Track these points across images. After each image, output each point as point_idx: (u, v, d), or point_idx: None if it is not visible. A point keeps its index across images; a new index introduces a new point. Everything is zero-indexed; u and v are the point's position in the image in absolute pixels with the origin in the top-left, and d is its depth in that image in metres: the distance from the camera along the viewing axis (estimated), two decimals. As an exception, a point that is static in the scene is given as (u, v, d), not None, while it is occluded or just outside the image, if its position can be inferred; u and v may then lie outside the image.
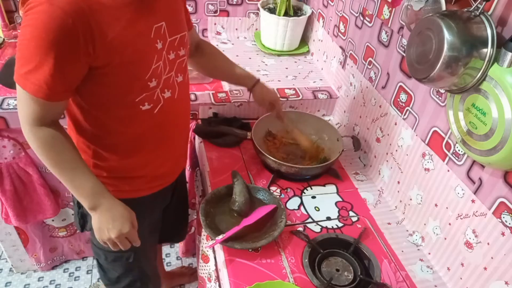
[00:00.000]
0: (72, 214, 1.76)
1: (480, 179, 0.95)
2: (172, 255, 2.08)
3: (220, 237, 1.04)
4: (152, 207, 1.20)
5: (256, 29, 2.06)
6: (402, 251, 1.15)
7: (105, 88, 0.90)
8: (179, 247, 2.01)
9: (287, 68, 1.83)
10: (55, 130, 0.89)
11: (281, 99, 1.57)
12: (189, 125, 1.24)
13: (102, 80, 0.87)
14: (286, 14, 1.81)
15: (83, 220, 1.14)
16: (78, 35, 0.78)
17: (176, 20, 0.98)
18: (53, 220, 1.74)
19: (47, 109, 0.86)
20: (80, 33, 0.78)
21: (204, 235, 1.23)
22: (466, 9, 0.86)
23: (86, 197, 0.92)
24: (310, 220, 1.20)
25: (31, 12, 0.77)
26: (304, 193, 1.29)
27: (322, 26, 1.79)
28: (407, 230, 1.22)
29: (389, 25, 1.25)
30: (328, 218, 1.21)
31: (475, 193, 0.96)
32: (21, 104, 0.86)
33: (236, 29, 2.04)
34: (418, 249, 1.16)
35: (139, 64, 0.89)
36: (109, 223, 0.93)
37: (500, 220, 0.89)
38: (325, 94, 1.63)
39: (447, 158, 1.05)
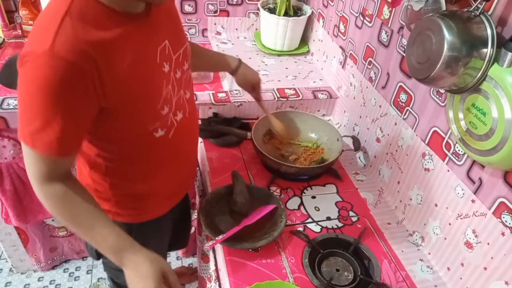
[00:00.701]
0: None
1: (480, 179, 0.95)
2: (172, 255, 2.08)
3: (220, 237, 1.04)
4: (166, 225, 1.19)
5: (256, 29, 2.06)
6: (402, 251, 1.15)
7: (117, 124, 0.84)
8: (179, 247, 2.01)
9: (287, 68, 1.83)
10: (67, 183, 0.82)
11: (281, 99, 1.57)
12: (198, 137, 1.20)
13: (113, 117, 0.81)
14: (286, 14, 1.81)
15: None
16: (86, 82, 0.72)
17: (178, 33, 0.92)
18: (53, 220, 1.74)
19: (59, 164, 0.80)
20: (88, 79, 0.72)
21: (204, 235, 1.24)
22: (466, 9, 0.86)
23: (110, 254, 0.84)
24: (310, 220, 1.20)
25: (31, 67, 0.69)
26: (304, 193, 1.29)
27: (322, 26, 1.79)
28: (407, 230, 1.22)
29: (389, 25, 1.25)
30: (328, 218, 1.21)
31: (475, 193, 0.96)
32: (29, 161, 0.79)
33: (236, 29, 2.04)
34: (418, 249, 1.16)
35: (150, 94, 0.84)
36: (139, 283, 0.83)
37: (500, 220, 0.89)
38: (325, 94, 1.63)
39: (447, 158, 1.05)
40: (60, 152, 0.76)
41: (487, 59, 0.80)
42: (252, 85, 1.29)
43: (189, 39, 1.70)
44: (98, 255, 1.09)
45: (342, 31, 1.58)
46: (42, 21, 0.73)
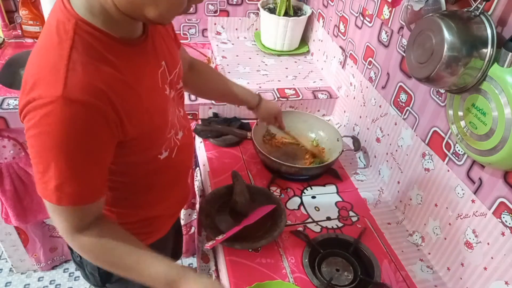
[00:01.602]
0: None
1: (480, 179, 0.95)
2: (172, 255, 2.07)
3: (220, 237, 1.04)
4: (168, 241, 1.17)
5: (256, 29, 2.06)
6: (402, 251, 1.15)
7: (127, 156, 0.80)
8: (179, 247, 2.01)
9: (287, 68, 1.83)
10: (101, 227, 0.78)
11: (281, 99, 1.57)
12: (193, 150, 1.19)
13: (125, 150, 0.77)
14: (286, 14, 1.81)
15: (106, 277, 1.02)
16: (107, 122, 0.67)
17: (173, 52, 0.89)
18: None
19: (90, 211, 0.76)
20: (108, 119, 0.67)
21: (204, 235, 1.24)
22: (466, 9, 0.86)
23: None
24: (310, 220, 1.20)
25: (43, 115, 0.62)
26: (304, 193, 1.29)
27: (322, 26, 1.79)
28: (407, 230, 1.22)
29: (389, 25, 1.25)
30: (328, 218, 1.21)
31: (475, 193, 0.96)
32: (57, 218, 0.74)
33: (236, 29, 2.04)
34: (418, 249, 1.16)
35: (162, 121, 0.82)
36: None
37: (500, 220, 0.89)
38: (325, 94, 1.63)
39: (447, 158, 1.05)
40: (90, 200, 0.73)
41: (487, 59, 0.80)
42: (274, 115, 1.30)
43: (189, 39, 1.71)
44: (103, 283, 1.04)
45: (342, 31, 1.58)
46: (45, 58, 0.66)
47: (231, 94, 1.21)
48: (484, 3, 0.82)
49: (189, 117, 1.20)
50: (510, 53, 0.77)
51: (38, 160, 0.68)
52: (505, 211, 0.88)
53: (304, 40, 1.98)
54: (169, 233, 1.12)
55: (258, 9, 1.92)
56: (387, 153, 1.31)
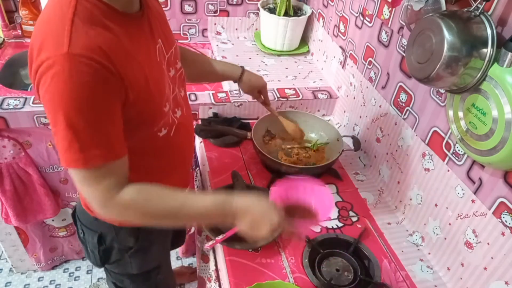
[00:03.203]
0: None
1: (480, 179, 0.95)
2: (172, 255, 2.07)
3: (220, 237, 1.03)
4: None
5: (256, 29, 2.06)
6: (402, 251, 1.15)
7: (127, 127, 0.80)
8: (179, 247, 2.01)
9: (287, 68, 1.83)
10: (134, 185, 0.79)
11: (281, 99, 1.57)
12: (194, 134, 1.20)
13: (128, 124, 0.78)
14: (286, 14, 1.81)
15: (105, 256, 1.06)
16: (112, 78, 0.70)
17: (168, 33, 0.93)
18: (53, 220, 1.74)
19: (120, 167, 0.77)
20: (113, 76, 0.70)
21: (204, 235, 1.24)
22: (466, 9, 0.86)
23: (219, 218, 0.84)
24: (310, 220, 1.20)
25: (54, 75, 0.65)
26: (304, 193, 1.29)
27: (322, 26, 1.79)
28: (407, 230, 1.22)
29: (389, 25, 1.25)
30: (328, 218, 1.21)
31: (475, 193, 0.96)
32: (92, 184, 0.74)
33: (236, 29, 2.04)
34: (418, 249, 1.16)
35: (157, 91, 0.83)
36: (263, 219, 0.81)
37: (500, 220, 0.89)
38: (325, 94, 1.63)
39: (447, 158, 1.05)
40: (116, 156, 0.74)
41: (487, 59, 0.80)
42: (258, 89, 1.28)
43: (189, 39, 1.71)
44: (102, 263, 1.08)
45: (342, 31, 1.58)
46: (49, 25, 0.70)
47: (215, 71, 1.23)
48: (484, 3, 0.81)
49: (193, 127, 1.19)
50: (510, 53, 0.77)
51: (57, 128, 0.69)
52: (505, 211, 0.88)
53: (304, 40, 1.98)
54: None
55: (258, 9, 1.92)
56: (387, 153, 1.31)
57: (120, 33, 0.73)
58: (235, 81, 1.26)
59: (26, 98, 1.40)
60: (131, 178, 0.87)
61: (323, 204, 0.91)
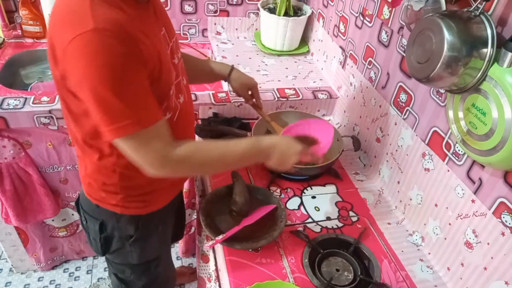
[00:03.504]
0: (72, 215, 1.76)
1: (480, 179, 0.95)
2: (172, 255, 2.07)
3: (220, 237, 1.04)
4: (169, 216, 1.20)
5: (256, 29, 2.06)
6: (402, 251, 1.15)
7: None
8: (179, 247, 2.01)
9: (287, 68, 1.83)
10: (183, 141, 0.87)
11: (281, 99, 1.57)
12: (194, 122, 1.25)
13: None
14: (286, 14, 1.81)
15: (107, 244, 1.10)
16: (137, 50, 0.75)
17: (169, 24, 0.97)
18: (53, 220, 1.74)
19: (164, 128, 0.83)
20: (137, 48, 0.75)
21: (204, 235, 1.24)
22: (466, 9, 0.86)
23: (254, 158, 0.96)
24: (310, 220, 1.20)
25: (83, 46, 0.69)
26: (304, 193, 1.29)
27: (322, 26, 1.79)
28: (407, 230, 1.22)
29: (389, 25, 1.25)
30: (328, 218, 1.21)
31: (475, 193, 0.96)
32: (145, 146, 0.80)
33: (236, 29, 2.04)
34: (418, 249, 1.16)
35: (166, 73, 0.87)
36: (289, 150, 0.96)
37: (500, 220, 0.89)
38: (325, 94, 1.63)
39: (447, 158, 1.05)
40: (160, 115, 0.81)
41: (487, 59, 0.80)
42: (248, 87, 1.28)
43: (189, 39, 1.71)
44: (103, 251, 1.12)
45: (342, 31, 1.58)
46: (69, 8, 0.74)
47: (206, 71, 1.26)
48: (484, 3, 0.81)
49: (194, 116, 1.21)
50: (510, 53, 0.77)
51: (98, 102, 0.73)
52: (505, 211, 0.88)
53: (304, 40, 1.98)
54: (168, 210, 1.15)
55: (258, 9, 1.92)
56: (387, 153, 1.31)
57: (134, 15, 0.78)
58: (225, 80, 1.27)
59: (26, 98, 1.40)
60: (129, 162, 0.92)
61: (325, 134, 1.17)
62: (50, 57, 0.79)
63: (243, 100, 1.32)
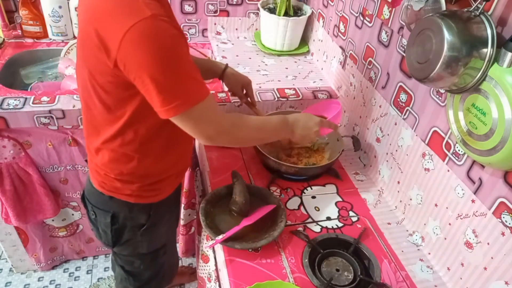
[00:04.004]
0: (72, 215, 1.76)
1: (480, 179, 0.95)
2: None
3: (220, 237, 1.04)
4: (175, 201, 1.26)
5: (256, 29, 2.06)
6: (402, 251, 1.15)
7: None
8: (179, 247, 2.01)
9: (287, 68, 1.83)
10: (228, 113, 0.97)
11: (281, 99, 1.57)
12: None
13: None
14: (286, 14, 1.81)
15: (118, 235, 1.15)
16: (182, 30, 0.83)
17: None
18: (53, 220, 1.74)
19: (214, 99, 0.93)
20: (182, 29, 0.83)
21: (204, 235, 1.24)
22: (466, 9, 0.86)
23: (283, 132, 1.08)
24: (310, 220, 1.20)
25: (147, 36, 0.75)
26: (304, 193, 1.29)
27: (322, 26, 1.79)
28: (407, 230, 1.22)
29: (389, 25, 1.25)
30: (328, 218, 1.21)
31: (475, 193, 0.96)
32: (204, 118, 0.88)
33: (236, 29, 2.04)
34: (418, 249, 1.16)
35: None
36: (310, 121, 1.10)
37: (500, 220, 0.89)
38: (325, 94, 1.63)
39: (447, 158, 1.05)
40: (209, 90, 0.89)
41: (487, 59, 0.80)
42: (241, 85, 1.30)
43: (189, 39, 1.70)
44: (113, 242, 1.15)
45: (342, 31, 1.58)
46: (115, 3, 0.79)
47: (203, 70, 1.31)
48: (484, 3, 0.81)
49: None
50: (510, 53, 0.77)
51: (159, 84, 0.78)
52: (505, 211, 0.88)
53: (304, 40, 1.98)
54: (174, 196, 1.21)
55: (258, 9, 1.92)
56: (387, 153, 1.31)
57: (167, 7, 0.87)
58: (219, 78, 1.30)
59: (26, 98, 1.40)
60: (155, 149, 1.01)
61: (333, 108, 1.29)
62: (97, 49, 0.81)
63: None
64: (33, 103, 1.38)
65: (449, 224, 1.05)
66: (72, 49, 1.73)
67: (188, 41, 1.97)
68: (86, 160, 1.49)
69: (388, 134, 1.30)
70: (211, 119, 0.89)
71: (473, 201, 0.97)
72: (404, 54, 1.18)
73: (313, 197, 1.28)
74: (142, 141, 0.98)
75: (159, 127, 0.97)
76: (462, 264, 1.01)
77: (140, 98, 0.88)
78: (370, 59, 1.38)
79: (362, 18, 1.42)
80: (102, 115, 0.95)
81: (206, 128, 0.90)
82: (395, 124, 1.25)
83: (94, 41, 0.80)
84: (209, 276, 1.21)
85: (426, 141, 1.12)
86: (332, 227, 1.18)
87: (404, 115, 1.21)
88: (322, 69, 1.82)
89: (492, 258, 0.92)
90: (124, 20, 0.75)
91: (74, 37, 1.86)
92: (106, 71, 0.83)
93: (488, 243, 0.93)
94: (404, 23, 1.16)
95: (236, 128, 0.97)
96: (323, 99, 1.41)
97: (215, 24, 1.99)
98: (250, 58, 1.87)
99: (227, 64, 1.30)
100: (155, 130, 0.98)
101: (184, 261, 2.06)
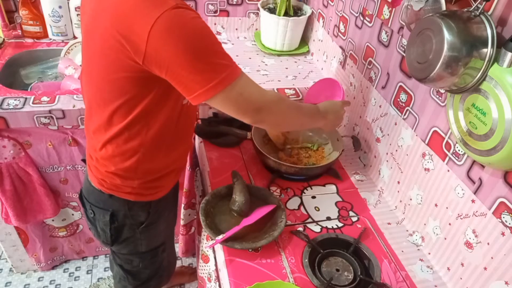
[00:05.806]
0: (72, 215, 1.76)
1: (480, 179, 0.95)
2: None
3: (220, 237, 1.04)
4: (173, 197, 1.27)
5: (256, 29, 2.06)
6: (402, 251, 1.15)
7: (169, 89, 0.90)
8: (179, 247, 2.01)
9: (287, 68, 1.83)
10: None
11: (281, 99, 1.57)
12: (194, 124, 1.31)
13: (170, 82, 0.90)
14: (286, 14, 1.81)
15: (117, 234, 1.15)
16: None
17: None
18: (53, 220, 1.74)
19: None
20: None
21: (204, 235, 1.24)
22: (466, 9, 0.86)
23: (317, 119, 1.14)
24: (310, 220, 1.20)
25: (173, 19, 0.77)
26: (304, 193, 1.29)
27: (322, 26, 1.79)
28: (407, 230, 1.22)
29: (389, 25, 1.25)
30: (328, 218, 1.21)
31: (475, 193, 0.96)
32: (243, 93, 0.88)
33: (236, 29, 2.04)
34: (418, 249, 1.16)
35: None
36: (337, 116, 1.21)
37: (500, 220, 0.89)
38: (325, 94, 1.63)
39: (447, 158, 1.05)
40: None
41: (487, 59, 0.80)
42: None
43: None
44: (112, 241, 1.16)
45: (342, 31, 1.58)
46: (142, 1, 0.79)
47: None
48: (484, 3, 0.81)
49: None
50: (510, 53, 0.77)
51: (195, 67, 0.80)
52: (505, 211, 0.88)
53: (304, 40, 1.98)
54: (173, 192, 1.22)
55: (258, 9, 1.92)
56: (387, 153, 1.31)
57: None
58: None
59: (26, 98, 1.40)
60: (159, 145, 1.02)
61: (335, 87, 1.36)
62: (118, 46, 0.81)
63: None
64: (33, 103, 1.38)
65: (449, 224, 1.05)
66: (72, 49, 1.73)
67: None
68: (83, 160, 1.49)
69: (388, 134, 1.30)
70: (252, 93, 0.90)
71: (473, 201, 0.97)
72: (404, 54, 1.18)
73: (313, 197, 1.28)
74: (148, 135, 0.99)
75: (166, 123, 0.98)
76: (462, 264, 1.01)
77: (154, 93, 0.89)
78: (370, 59, 1.38)
79: (362, 18, 1.42)
80: (113, 112, 0.94)
81: (250, 104, 0.90)
82: (395, 124, 1.25)
83: (116, 39, 0.81)
84: (209, 276, 1.21)
85: (426, 141, 1.12)
86: (332, 227, 1.18)
87: (404, 115, 1.21)
88: (322, 69, 1.82)
89: (492, 258, 0.92)
90: (149, 13, 0.77)
91: (74, 37, 1.86)
92: (126, 68, 0.84)
93: (488, 243, 0.93)
94: (404, 23, 1.16)
95: (278, 103, 0.97)
96: (319, 80, 1.43)
97: (215, 24, 1.99)
98: (250, 58, 1.87)
99: None
100: (162, 125, 0.98)
101: (184, 261, 2.06)
